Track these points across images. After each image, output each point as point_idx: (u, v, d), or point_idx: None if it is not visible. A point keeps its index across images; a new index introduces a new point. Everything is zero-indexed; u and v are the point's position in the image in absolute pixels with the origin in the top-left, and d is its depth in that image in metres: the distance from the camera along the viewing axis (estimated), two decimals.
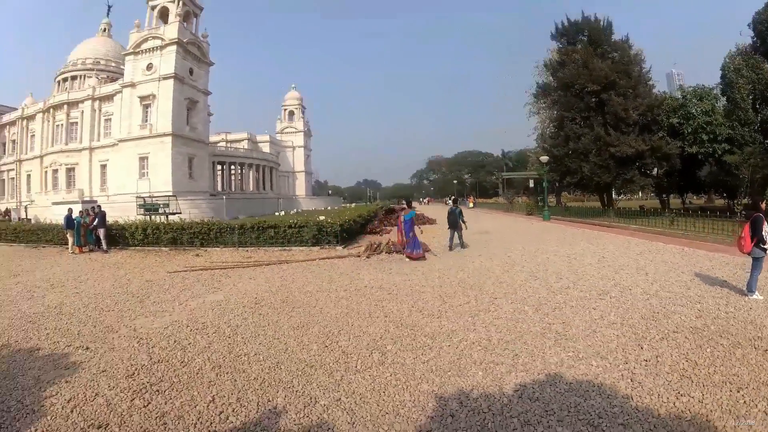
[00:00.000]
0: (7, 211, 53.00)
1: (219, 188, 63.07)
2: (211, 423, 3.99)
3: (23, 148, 63.05)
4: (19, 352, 6.01)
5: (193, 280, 11.07)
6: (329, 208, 60.60)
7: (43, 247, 20.50)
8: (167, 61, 47.20)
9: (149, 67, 48.06)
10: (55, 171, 57.13)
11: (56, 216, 31.84)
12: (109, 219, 19.47)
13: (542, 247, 15.17)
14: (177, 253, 16.77)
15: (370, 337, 6.14)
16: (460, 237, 15.55)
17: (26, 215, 47.84)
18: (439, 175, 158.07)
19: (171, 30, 47.52)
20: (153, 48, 47.96)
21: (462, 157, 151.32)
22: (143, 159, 47.75)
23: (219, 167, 65.17)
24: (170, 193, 35.95)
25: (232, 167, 68.30)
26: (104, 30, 75.09)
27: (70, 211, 19.03)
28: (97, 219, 18.48)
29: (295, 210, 56.85)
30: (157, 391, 4.65)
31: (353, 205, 74.81)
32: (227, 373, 5.08)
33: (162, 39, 47.52)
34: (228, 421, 4.03)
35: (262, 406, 4.27)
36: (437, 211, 39.38)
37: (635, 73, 31.14)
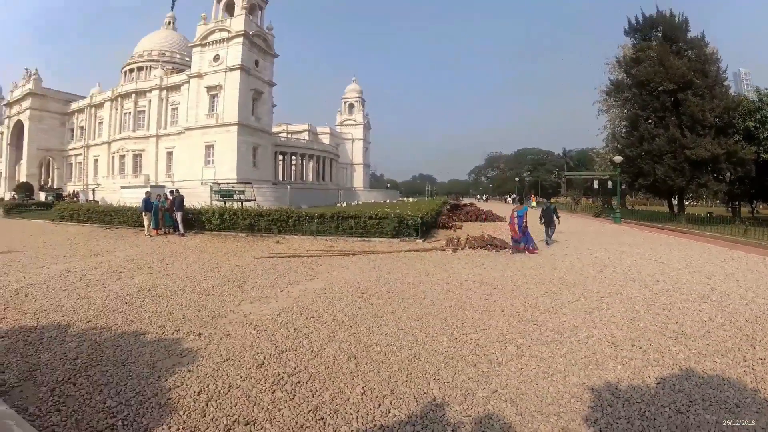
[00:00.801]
0: (76, 194, 56.00)
1: (280, 178, 64.57)
2: (373, 417, 3.84)
3: (91, 134, 66.57)
4: (122, 336, 5.78)
5: (285, 267, 11.11)
6: (388, 201, 60.80)
7: (116, 228, 20.92)
8: (234, 53, 48.63)
9: (216, 58, 49.70)
10: (122, 156, 60.07)
11: (126, 199, 33.50)
12: None
13: (625, 250, 14.93)
14: (255, 239, 16.99)
15: (497, 331, 6.20)
16: (550, 234, 16.00)
17: (93, 197, 50.17)
18: (498, 172, 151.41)
19: (237, 22, 48.92)
20: (219, 40, 49.63)
21: (521, 154, 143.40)
22: (209, 147, 49.50)
23: (280, 157, 66.62)
24: (235, 181, 37.01)
25: (293, 158, 69.57)
26: (169, 23, 78.73)
27: (148, 194, 19.90)
28: (175, 203, 19.24)
29: (355, 201, 57.26)
30: (298, 382, 4.48)
31: (411, 199, 74.68)
32: (366, 363, 4.99)
33: (228, 31, 49.05)
34: (391, 414, 3.89)
35: (420, 399, 4.17)
36: (500, 209, 39.18)
37: (712, 72, 29.55)
